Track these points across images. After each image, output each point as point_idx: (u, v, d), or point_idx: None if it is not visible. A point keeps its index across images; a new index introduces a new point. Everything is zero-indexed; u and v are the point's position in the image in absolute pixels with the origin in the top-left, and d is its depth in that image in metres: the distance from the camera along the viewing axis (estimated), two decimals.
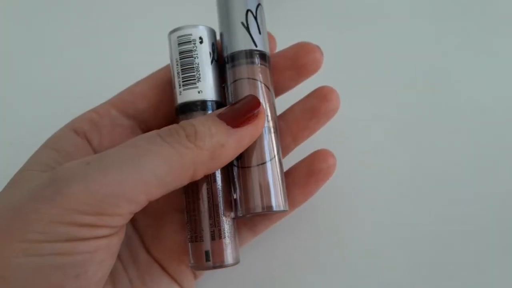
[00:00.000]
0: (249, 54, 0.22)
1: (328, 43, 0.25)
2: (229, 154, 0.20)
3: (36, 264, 0.16)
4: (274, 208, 0.21)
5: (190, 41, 0.21)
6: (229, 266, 0.21)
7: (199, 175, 0.19)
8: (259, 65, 0.22)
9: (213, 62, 0.22)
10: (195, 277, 0.24)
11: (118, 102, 0.23)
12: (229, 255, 0.21)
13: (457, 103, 0.30)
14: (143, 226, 0.24)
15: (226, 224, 0.21)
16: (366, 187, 0.27)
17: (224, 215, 0.21)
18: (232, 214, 0.22)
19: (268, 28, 0.24)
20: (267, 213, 0.22)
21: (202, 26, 0.22)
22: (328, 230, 0.26)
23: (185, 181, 0.19)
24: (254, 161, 0.21)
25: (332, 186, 0.25)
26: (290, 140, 0.24)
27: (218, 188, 0.21)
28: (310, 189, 0.23)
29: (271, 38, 0.25)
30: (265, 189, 0.21)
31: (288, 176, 0.23)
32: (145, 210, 0.22)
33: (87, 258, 0.17)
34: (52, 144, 0.22)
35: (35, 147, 0.21)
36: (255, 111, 0.20)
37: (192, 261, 0.21)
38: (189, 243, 0.21)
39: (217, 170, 0.21)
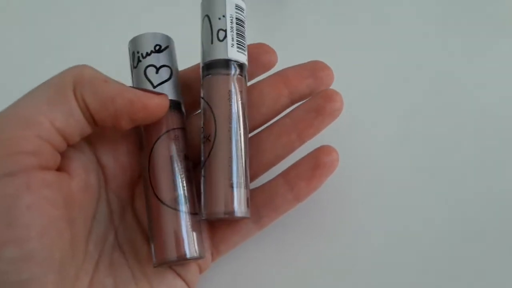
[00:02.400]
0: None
1: (335, 45, 0.29)
2: (110, 91, 0.20)
3: None
4: (203, 216, 0.22)
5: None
6: (170, 263, 0.21)
7: (78, 97, 0.20)
8: (204, 77, 0.23)
9: (133, 69, 0.23)
10: (200, 270, 0.24)
11: None
12: (162, 253, 0.21)
13: (463, 104, 0.30)
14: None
15: (170, 220, 0.21)
16: (372, 186, 0.27)
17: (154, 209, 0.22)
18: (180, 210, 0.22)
19: (275, 29, 0.27)
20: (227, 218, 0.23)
21: (128, 45, 0.24)
22: (334, 227, 0.26)
23: (70, 101, 0.19)
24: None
25: (339, 185, 0.27)
26: (295, 137, 0.25)
27: (156, 184, 0.22)
28: (315, 182, 0.24)
29: (267, 48, 0.25)
30: (208, 196, 0.22)
31: (293, 170, 0.24)
32: None
33: (10, 202, 0.17)
34: None
35: None
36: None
37: None
38: None
39: (95, 103, 0.20)
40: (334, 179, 0.25)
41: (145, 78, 0.23)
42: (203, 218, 0.23)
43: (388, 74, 0.31)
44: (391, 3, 0.34)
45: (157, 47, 0.23)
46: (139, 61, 0.23)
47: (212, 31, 0.23)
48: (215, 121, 0.22)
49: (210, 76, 0.23)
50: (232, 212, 0.22)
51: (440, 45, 0.32)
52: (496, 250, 0.25)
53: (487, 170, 0.28)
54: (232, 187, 0.22)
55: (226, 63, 0.23)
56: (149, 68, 0.23)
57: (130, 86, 0.22)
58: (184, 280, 0.23)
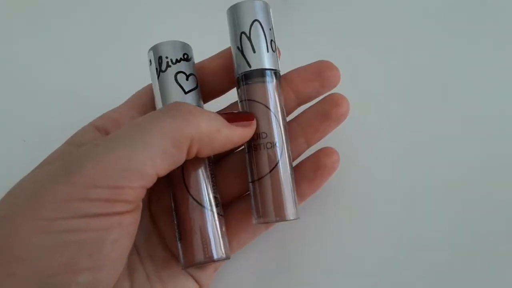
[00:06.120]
0: (244, 77, 0.23)
1: (339, 50, 0.28)
2: (221, 141, 0.21)
3: (52, 241, 0.17)
4: (255, 222, 0.23)
5: (149, 67, 0.24)
6: (198, 264, 0.22)
7: (192, 152, 0.20)
8: (259, 83, 0.23)
9: (161, 73, 0.23)
10: (215, 269, 0.25)
11: (136, 104, 0.24)
12: (196, 255, 0.22)
13: (470, 108, 0.29)
14: (164, 224, 0.24)
15: (203, 221, 0.22)
16: (376, 190, 0.28)
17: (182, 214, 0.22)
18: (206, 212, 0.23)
19: (281, 35, 0.25)
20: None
21: (151, 48, 0.24)
22: (338, 230, 0.27)
23: (183, 155, 0.20)
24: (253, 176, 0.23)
25: (342, 186, 0.28)
26: (303, 141, 0.26)
27: (187, 187, 0.23)
28: (316, 182, 0.25)
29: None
30: (261, 202, 0.23)
31: (296, 171, 0.25)
32: (167, 210, 0.24)
33: (100, 236, 0.18)
34: (75, 140, 0.23)
35: (48, 144, 0.21)
36: (249, 122, 0.22)
37: None
38: None
39: (207, 156, 0.22)
40: (337, 181, 0.27)
41: (176, 83, 0.23)
42: (255, 222, 0.23)
43: (394, 77, 0.31)
44: (395, 8, 0.34)
45: (185, 56, 0.24)
46: (168, 65, 0.23)
47: (266, 40, 0.23)
48: (281, 128, 0.23)
49: (260, 82, 0.23)
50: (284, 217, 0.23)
51: (447, 49, 0.32)
52: (504, 255, 0.25)
53: (494, 174, 0.27)
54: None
55: (270, 72, 0.23)
56: (179, 74, 0.23)
57: (225, 114, 0.22)
58: (198, 283, 0.24)
